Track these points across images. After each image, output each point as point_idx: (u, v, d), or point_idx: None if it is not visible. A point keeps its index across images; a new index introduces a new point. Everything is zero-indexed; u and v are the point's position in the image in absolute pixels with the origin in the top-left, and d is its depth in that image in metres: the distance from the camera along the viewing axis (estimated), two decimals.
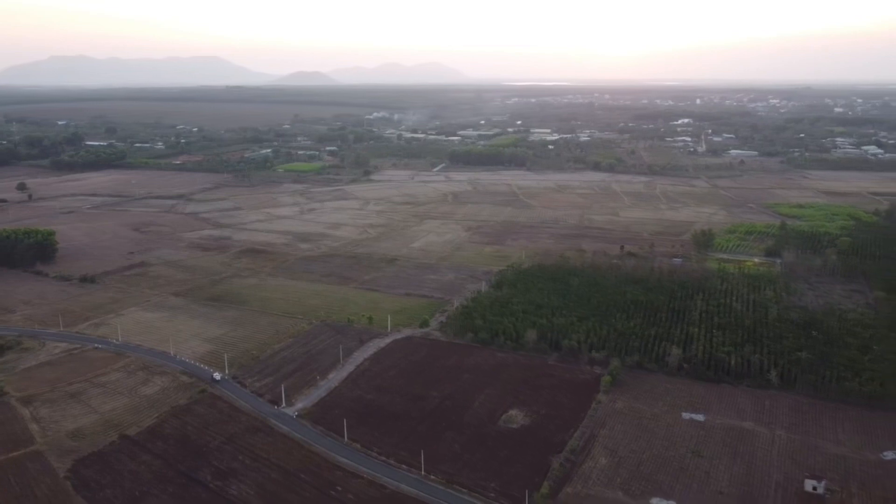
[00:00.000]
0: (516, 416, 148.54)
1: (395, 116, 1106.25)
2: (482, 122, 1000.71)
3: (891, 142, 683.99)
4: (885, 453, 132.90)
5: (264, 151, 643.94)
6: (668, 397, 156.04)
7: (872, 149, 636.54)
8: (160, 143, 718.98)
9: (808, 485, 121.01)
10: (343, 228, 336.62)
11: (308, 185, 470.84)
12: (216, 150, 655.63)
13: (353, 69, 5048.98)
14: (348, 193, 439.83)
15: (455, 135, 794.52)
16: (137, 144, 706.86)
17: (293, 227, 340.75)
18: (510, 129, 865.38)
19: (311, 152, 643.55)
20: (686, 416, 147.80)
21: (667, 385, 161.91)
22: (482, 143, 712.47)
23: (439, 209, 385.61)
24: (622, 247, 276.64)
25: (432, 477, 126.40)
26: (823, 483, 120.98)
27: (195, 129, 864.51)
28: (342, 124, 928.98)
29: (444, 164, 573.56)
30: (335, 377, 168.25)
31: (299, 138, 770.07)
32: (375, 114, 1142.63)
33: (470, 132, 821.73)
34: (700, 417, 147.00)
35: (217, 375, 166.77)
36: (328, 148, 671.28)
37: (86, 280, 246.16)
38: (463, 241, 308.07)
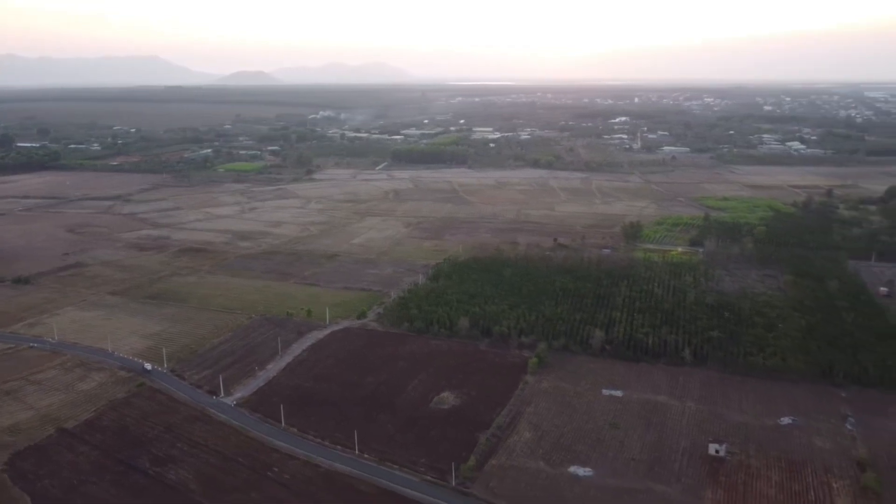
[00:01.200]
0: (447, 398, 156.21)
1: (342, 115, 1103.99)
2: (426, 121, 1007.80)
3: (813, 138, 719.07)
4: (781, 419, 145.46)
5: (204, 151, 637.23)
6: (591, 376, 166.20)
7: (796, 145, 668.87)
8: (96, 145, 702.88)
9: (712, 448, 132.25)
10: (284, 227, 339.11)
11: (249, 185, 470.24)
12: (154, 150, 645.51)
13: (297, 69, 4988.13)
14: (290, 192, 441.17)
15: (398, 134, 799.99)
16: (72, 146, 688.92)
17: (233, 225, 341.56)
18: (453, 128, 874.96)
19: (253, 152, 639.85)
20: (606, 392, 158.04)
21: (590, 365, 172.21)
22: (425, 141, 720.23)
23: (380, 206, 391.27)
24: (555, 239, 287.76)
25: (366, 456, 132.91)
26: (725, 446, 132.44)
27: (133, 130, 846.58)
28: (285, 124, 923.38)
29: (386, 163, 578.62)
30: (273, 367, 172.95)
31: (241, 138, 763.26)
32: (322, 113, 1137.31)
33: (413, 131, 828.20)
34: (619, 393, 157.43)
35: (148, 366, 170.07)
36: (270, 148, 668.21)
37: (19, 281, 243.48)
38: (403, 237, 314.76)
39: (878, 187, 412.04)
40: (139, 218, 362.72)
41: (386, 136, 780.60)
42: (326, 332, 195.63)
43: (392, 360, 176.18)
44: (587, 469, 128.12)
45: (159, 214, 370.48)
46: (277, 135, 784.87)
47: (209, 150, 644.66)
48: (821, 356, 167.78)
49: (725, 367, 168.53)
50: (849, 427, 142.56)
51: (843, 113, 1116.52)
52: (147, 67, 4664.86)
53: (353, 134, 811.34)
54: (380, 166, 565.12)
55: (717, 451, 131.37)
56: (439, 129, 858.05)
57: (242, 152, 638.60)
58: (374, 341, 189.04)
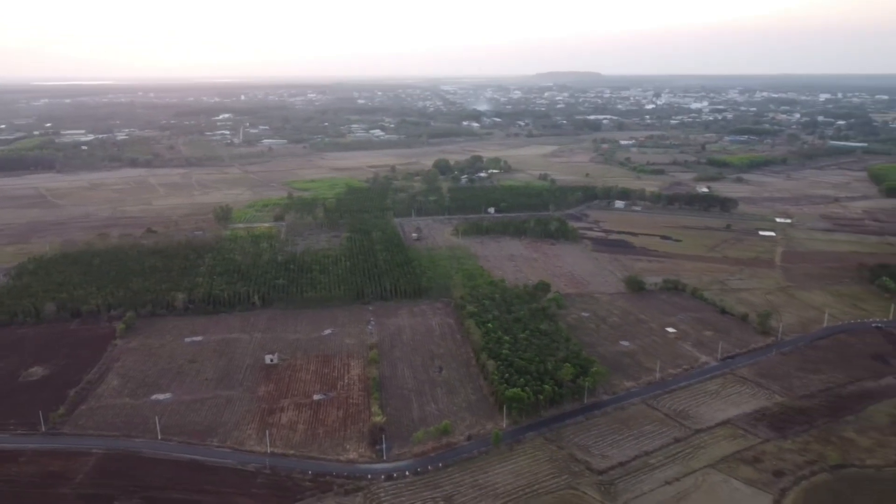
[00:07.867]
0: (37, 372, 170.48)
1: None
2: (2, 126, 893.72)
3: (392, 125, 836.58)
4: (324, 331, 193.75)
5: None
6: (175, 331, 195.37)
7: (377, 132, 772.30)
8: None
9: (267, 359, 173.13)
10: None
11: None
12: None
13: None
14: None
15: None
16: None
17: None
18: (37, 132, 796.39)
19: None
20: (188, 340, 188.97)
21: (175, 323, 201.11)
22: (2, 148, 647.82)
23: None
24: (148, 228, 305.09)
25: None
26: (276, 355, 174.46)
27: None
28: None
29: None
30: None
31: None
32: None
33: None
34: (199, 338, 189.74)
35: None
36: None
37: None
38: None
39: (429, 162, 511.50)
40: None
41: None
42: None
43: None
44: (167, 394, 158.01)
45: None
46: None
47: None
48: (356, 285, 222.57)
49: (287, 304, 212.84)
50: (370, 328, 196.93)
51: (420, 104, 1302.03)
52: None
53: None
54: None
55: (271, 360, 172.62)
56: (20, 134, 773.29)
57: None
58: None
